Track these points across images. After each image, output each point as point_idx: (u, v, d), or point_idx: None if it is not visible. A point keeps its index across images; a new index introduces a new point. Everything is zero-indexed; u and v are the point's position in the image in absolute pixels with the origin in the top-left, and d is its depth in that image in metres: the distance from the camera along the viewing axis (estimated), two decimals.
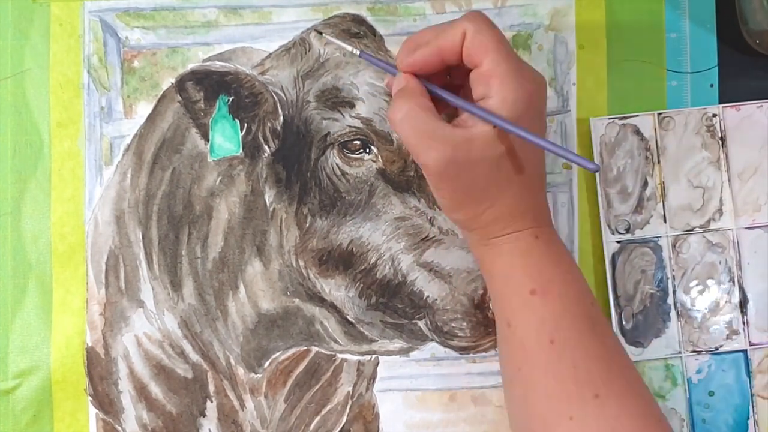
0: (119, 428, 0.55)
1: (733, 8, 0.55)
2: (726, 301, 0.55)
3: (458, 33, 0.42)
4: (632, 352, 0.54)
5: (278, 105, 0.52)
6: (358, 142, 0.52)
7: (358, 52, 0.48)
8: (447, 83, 0.47)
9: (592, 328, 0.43)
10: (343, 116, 0.52)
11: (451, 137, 0.41)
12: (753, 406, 0.55)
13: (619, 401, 0.41)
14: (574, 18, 0.56)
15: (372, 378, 0.55)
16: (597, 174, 0.55)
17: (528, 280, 0.44)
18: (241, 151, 0.54)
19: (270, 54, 0.55)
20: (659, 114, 0.55)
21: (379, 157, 0.52)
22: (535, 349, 0.43)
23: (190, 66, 0.55)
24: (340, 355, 0.55)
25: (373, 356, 0.55)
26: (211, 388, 0.55)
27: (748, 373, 0.55)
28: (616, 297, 0.55)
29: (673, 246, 0.55)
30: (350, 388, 0.55)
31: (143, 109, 0.56)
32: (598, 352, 0.43)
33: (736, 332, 0.55)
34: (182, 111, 0.54)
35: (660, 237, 0.55)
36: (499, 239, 0.44)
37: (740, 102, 0.55)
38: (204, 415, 0.55)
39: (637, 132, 0.55)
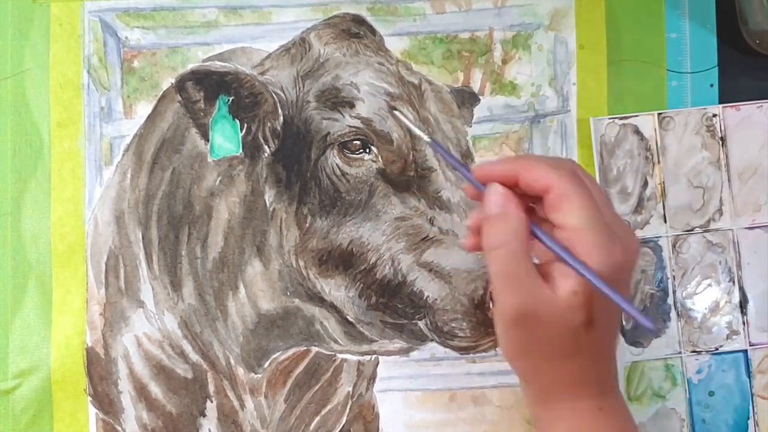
0: (119, 428, 0.55)
1: (733, 8, 0.55)
2: (726, 301, 0.55)
3: (542, 183, 0.39)
4: (632, 352, 0.54)
5: (278, 105, 0.52)
6: (358, 142, 0.52)
7: (429, 140, 0.47)
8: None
9: None
10: (343, 116, 0.52)
11: (538, 291, 0.39)
12: (753, 406, 0.55)
13: None
14: (574, 18, 0.56)
15: (372, 378, 0.55)
16: (597, 174, 0.55)
17: None
18: (241, 151, 0.53)
19: (270, 54, 0.55)
20: (659, 114, 0.55)
21: (379, 157, 0.52)
22: None
23: (190, 66, 0.55)
24: (340, 355, 0.55)
25: (373, 356, 0.55)
26: (211, 388, 0.55)
27: (748, 373, 0.55)
28: None
29: (673, 246, 0.55)
30: (350, 388, 0.55)
31: (143, 109, 0.56)
32: None
33: (736, 332, 0.55)
34: (182, 111, 0.54)
35: (660, 237, 0.55)
36: (558, 403, 0.42)
37: (740, 102, 0.55)
38: (204, 415, 0.55)
39: (637, 132, 0.55)
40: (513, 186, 0.41)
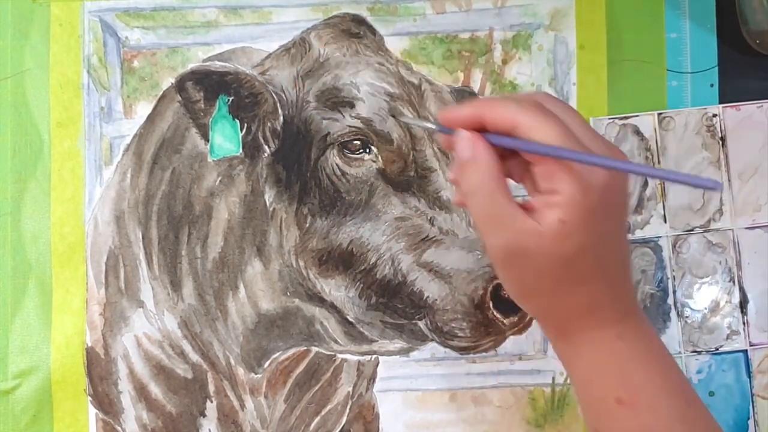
0: (119, 428, 0.55)
1: (733, 8, 0.55)
2: (726, 301, 0.55)
3: (507, 120, 0.37)
4: None
5: (278, 105, 0.52)
6: (358, 142, 0.52)
7: (435, 126, 0.42)
8: None
9: None
10: (343, 116, 0.52)
11: (522, 226, 0.37)
12: (753, 406, 0.55)
13: None
14: (574, 18, 0.56)
15: (372, 378, 0.55)
16: None
17: (612, 388, 0.39)
18: (241, 151, 0.54)
19: (270, 54, 0.55)
20: (659, 114, 0.55)
21: (379, 157, 0.52)
22: None
23: (190, 66, 0.55)
24: (340, 356, 0.55)
25: (373, 356, 0.55)
26: (211, 388, 0.55)
27: (748, 373, 0.55)
28: None
29: (673, 246, 0.55)
30: (350, 389, 0.55)
31: (143, 109, 0.56)
32: None
33: (736, 332, 0.55)
34: (182, 111, 0.54)
35: (660, 237, 0.55)
36: (576, 336, 0.40)
37: (740, 102, 0.55)
38: (204, 415, 0.55)
39: (637, 132, 0.55)
40: (482, 129, 0.39)
